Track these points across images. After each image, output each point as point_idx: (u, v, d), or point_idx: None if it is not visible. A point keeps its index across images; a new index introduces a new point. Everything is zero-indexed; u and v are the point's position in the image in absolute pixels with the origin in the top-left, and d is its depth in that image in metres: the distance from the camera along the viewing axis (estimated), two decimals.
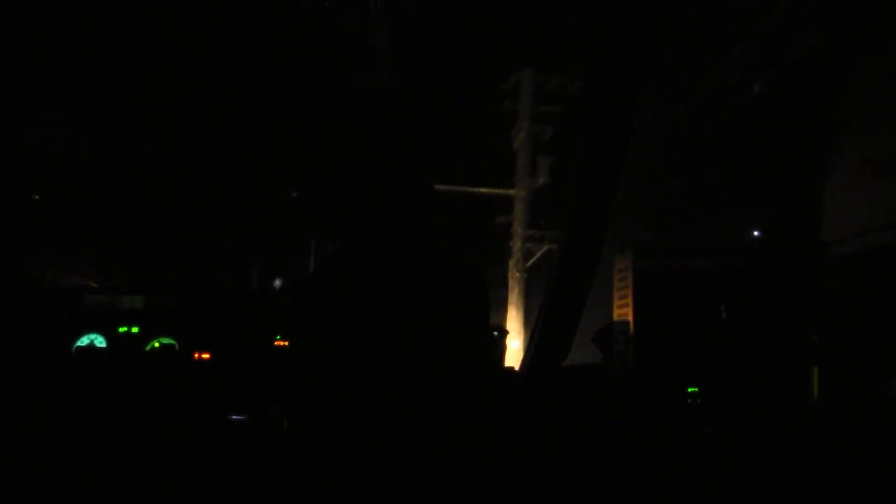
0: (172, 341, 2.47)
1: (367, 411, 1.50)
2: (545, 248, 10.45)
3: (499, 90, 10.80)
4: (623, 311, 2.50)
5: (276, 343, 2.47)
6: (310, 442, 1.56)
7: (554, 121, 10.53)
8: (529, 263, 10.82)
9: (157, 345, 2.46)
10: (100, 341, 2.47)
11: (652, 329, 2.37)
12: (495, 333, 2.91)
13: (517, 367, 2.66)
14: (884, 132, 2.49)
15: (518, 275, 10.80)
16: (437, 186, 1.85)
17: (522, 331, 10.07)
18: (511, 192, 10.90)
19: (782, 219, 2.60)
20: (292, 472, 1.64)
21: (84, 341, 2.47)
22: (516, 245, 10.86)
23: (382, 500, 1.44)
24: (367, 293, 1.60)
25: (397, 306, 1.57)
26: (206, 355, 2.42)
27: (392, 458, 1.47)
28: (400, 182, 1.75)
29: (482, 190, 10.88)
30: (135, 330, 2.49)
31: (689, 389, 2.31)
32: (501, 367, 2.50)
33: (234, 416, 2.26)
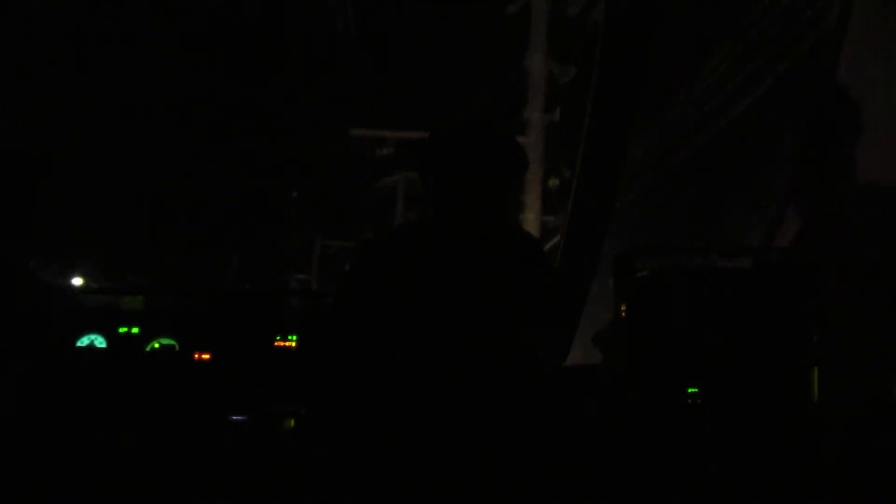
0: (172, 341, 2.46)
1: (420, 407, 1.40)
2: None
3: None
4: (623, 310, 2.50)
5: (276, 343, 2.47)
6: (344, 440, 1.48)
7: None
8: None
9: (157, 345, 2.46)
10: (100, 341, 2.47)
11: (652, 329, 2.37)
12: None
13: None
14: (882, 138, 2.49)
15: None
16: None
17: None
18: None
19: (782, 220, 2.60)
20: (310, 474, 1.59)
21: (84, 341, 2.46)
22: None
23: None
24: (435, 276, 1.44)
25: (467, 293, 1.44)
26: (206, 355, 2.42)
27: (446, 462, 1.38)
28: (490, 137, 1.52)
29: None
30: (135, 330, 2.48)
31: (689, 389, 2.31)
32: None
33: (234, 416, 2.26)
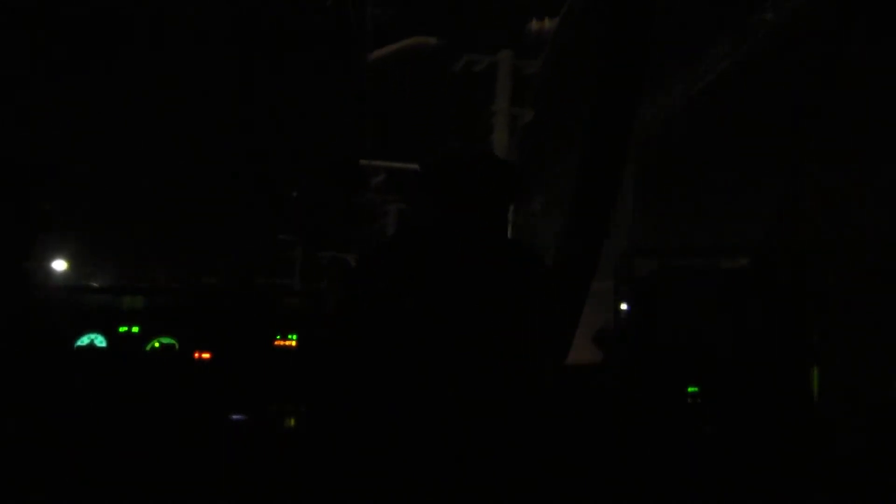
0: (172, 341, 2.46)
1: (420, 412, 1.42)
2: None
3: None
4: (622, 310, 2.50)
5: (276, 343, 2.47)
6: (343, 443, 1.50)
7: None
8: None
9: (157, 345, 2.46)
10: (100, 341, 2.47)
11: (651, 329, 2.37)
12: None
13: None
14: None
15: None
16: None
17: None
18: None
19: (782, 218, 2.60)
20: (310, 474, 1.60)
21: (84, 341, 2.46)
22: None
23: None
24: (439, 279, 1.50)
25: (471, 296, 1.48)
26: (206, 355, 2.42)
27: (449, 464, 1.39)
28: (485, 161, 1.66)
29: None
30: (135, 330, 2.48)
31: (689, 389, 2.31)
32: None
33: (234, 416, 2.26)
